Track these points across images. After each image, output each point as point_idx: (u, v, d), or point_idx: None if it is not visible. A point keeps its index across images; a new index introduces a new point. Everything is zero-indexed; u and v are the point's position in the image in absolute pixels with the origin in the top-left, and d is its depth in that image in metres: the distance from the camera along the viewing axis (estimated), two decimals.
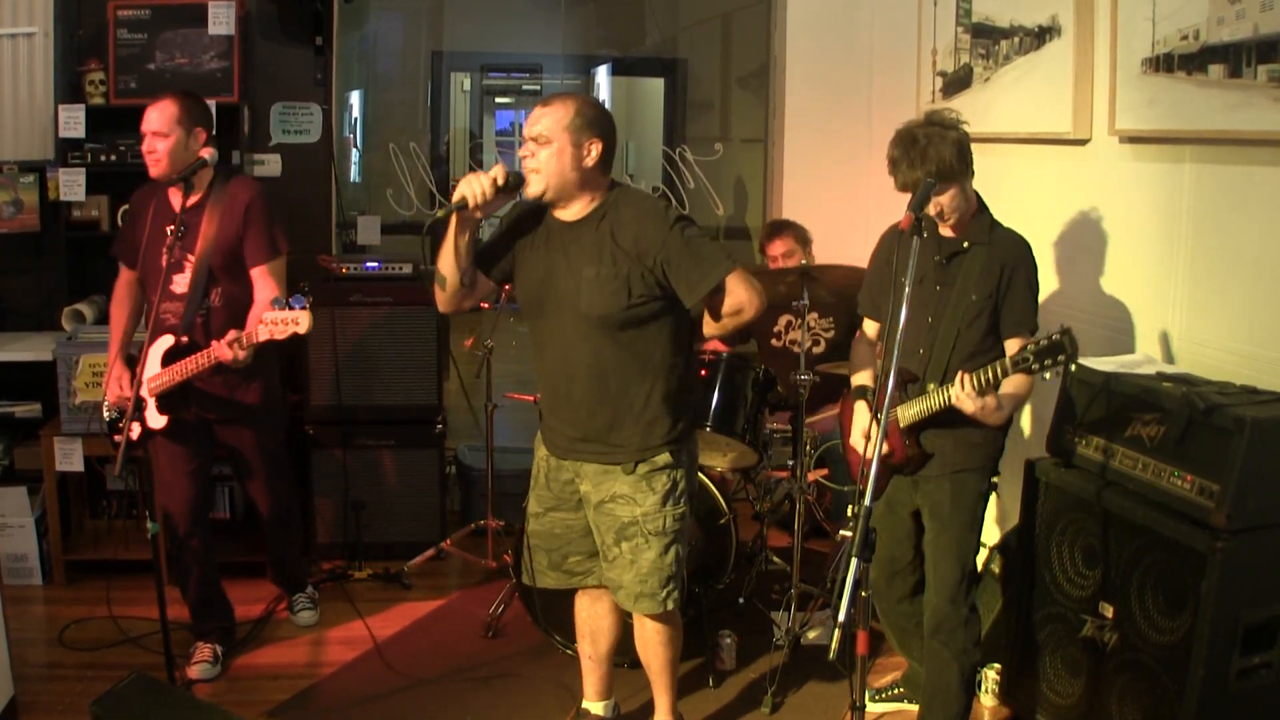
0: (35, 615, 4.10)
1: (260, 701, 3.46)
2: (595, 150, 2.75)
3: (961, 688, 3.07)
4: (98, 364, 4.14)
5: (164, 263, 3.34)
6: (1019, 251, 3.00)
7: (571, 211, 2.82)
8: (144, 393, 3.44)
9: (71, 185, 4.44)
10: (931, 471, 3.05)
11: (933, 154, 2.86)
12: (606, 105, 6.35)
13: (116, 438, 3.42)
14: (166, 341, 3.47)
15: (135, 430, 3.28)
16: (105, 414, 3.68)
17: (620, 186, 2.87)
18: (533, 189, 2.76)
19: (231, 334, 3.27)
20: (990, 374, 2.81)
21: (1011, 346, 2.98)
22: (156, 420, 3.48)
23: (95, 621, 3.98)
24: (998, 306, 2.98)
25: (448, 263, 2.83)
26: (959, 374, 2.86)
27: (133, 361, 3.58)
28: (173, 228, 3.32)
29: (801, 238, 4.54)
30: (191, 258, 3.50)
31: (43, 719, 3.34)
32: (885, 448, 3.00)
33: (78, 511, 4.57)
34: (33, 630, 3.96)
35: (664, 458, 2.87)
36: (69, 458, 4.20)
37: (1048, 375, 2.71)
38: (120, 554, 4.35)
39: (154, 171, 3.47)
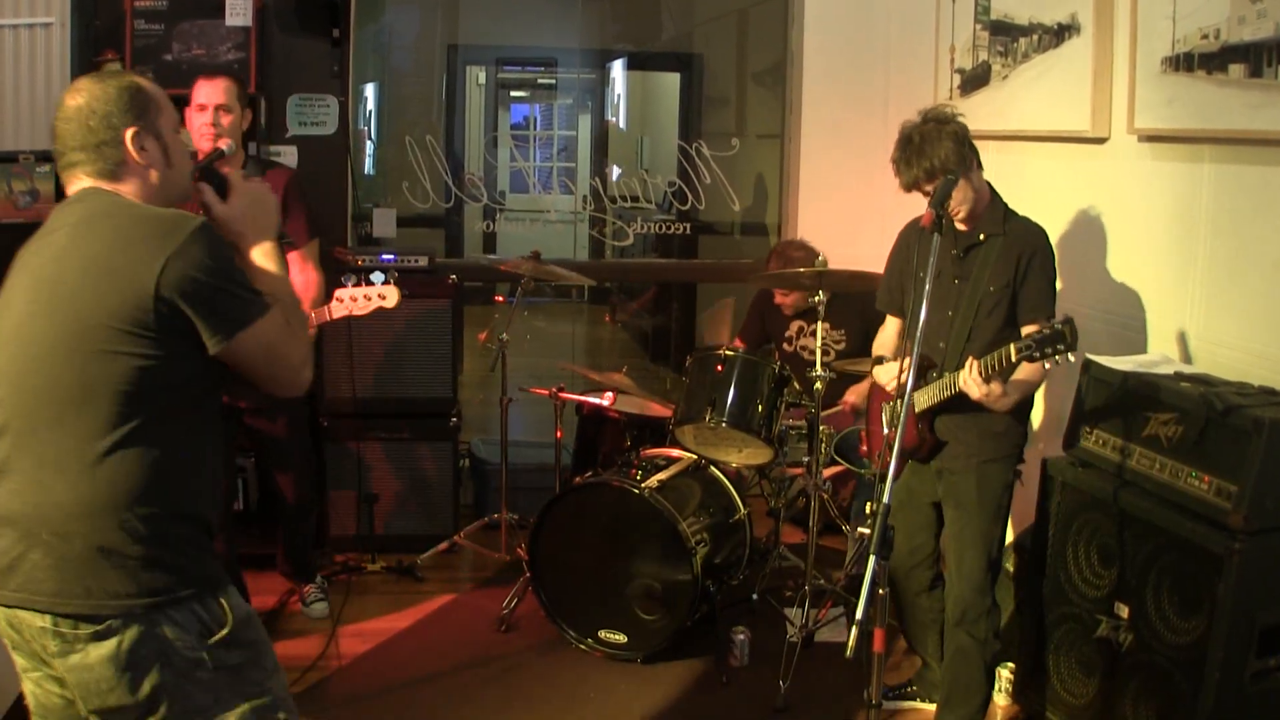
0: None
1: None
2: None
3: (983, 678, 3.08)
4: None
5: None
6: (1035, 240, 3.01)
7: None
8: None
9: None
10: (957, 463, 3.06)
11: (929, 151, 2.89)
12: (621, 100, 6.39)
13: None
14: None
15: None
16: None
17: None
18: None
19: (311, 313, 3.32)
20: (996, 360, 2.80)
21: (1027, 333, 2.97)
22: None
23: None
24: (1015, 295, 2.99)
25: None
26: (968, 360, 2.87)
27: None
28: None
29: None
30: None
31: None
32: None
33: None
34: None
35: None
36: None
37: (1047, 365, 2.70)
38: None
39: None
